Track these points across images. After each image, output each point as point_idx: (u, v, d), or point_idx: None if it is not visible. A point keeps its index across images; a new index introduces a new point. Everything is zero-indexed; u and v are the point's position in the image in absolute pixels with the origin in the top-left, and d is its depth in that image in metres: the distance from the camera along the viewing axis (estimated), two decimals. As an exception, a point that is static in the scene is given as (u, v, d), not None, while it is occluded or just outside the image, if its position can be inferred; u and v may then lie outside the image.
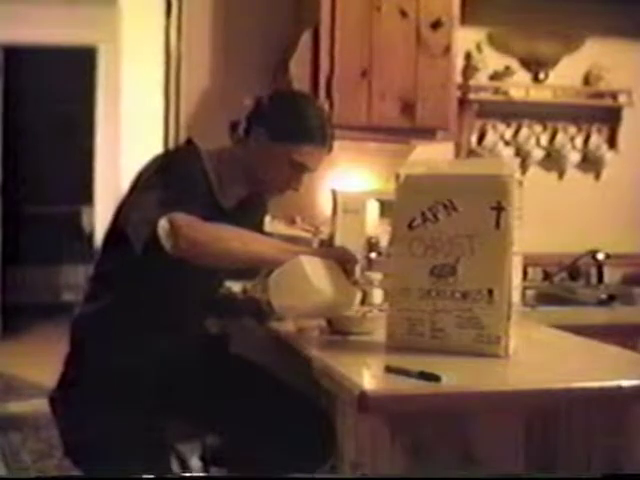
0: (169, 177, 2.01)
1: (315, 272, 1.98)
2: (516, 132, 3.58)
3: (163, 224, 1.88)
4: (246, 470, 2.19)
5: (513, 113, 3.56)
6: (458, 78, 3.37)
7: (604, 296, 3.28)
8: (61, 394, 2.15)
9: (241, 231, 2.00)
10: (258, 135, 2.14)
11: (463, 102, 3.44)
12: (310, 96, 2.32)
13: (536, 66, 3.57)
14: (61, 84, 7.04)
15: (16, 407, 4.53)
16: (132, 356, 2.08)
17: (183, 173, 2.05)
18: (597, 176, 3.72)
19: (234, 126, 2.22)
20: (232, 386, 2.24)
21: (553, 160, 3.64)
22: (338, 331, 2.19)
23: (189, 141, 2.24)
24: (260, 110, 2.16)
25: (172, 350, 2.15)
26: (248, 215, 2.26)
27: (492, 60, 3.53)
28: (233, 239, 1.96)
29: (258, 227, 2.38)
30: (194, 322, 2.31)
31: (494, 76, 3.53)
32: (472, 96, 3.46)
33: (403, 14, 3.04)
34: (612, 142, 3.68)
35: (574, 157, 3.64)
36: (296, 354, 2.07)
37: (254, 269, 2.46)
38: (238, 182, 2.21)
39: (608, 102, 3.66)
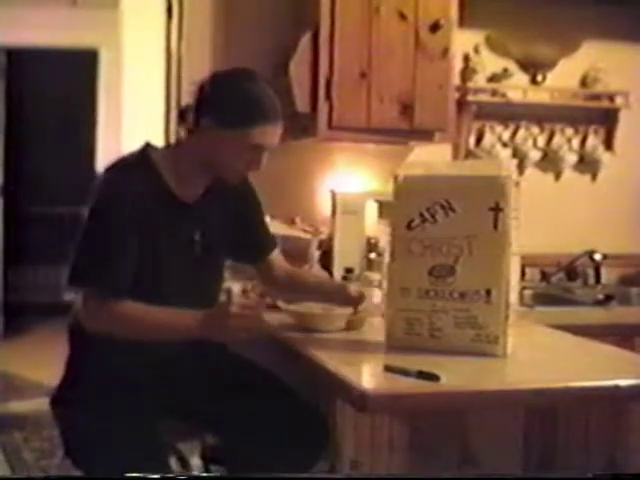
0: (99, 220, 2.00)
1: None
2: (514, 134, 3.59)
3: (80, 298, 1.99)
4: (246, 469, 2.19)
5: (511, 115, 3.57)
6: (456, 80, 3.37)
7: (601, 296, 3.29)
8: (62, 395, 2.15)
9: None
10: (207, 124, 2.05)
11: (461, 104, 3.44)
12: (251, 72, 2.11)
13: (534, 68, 3.58)
14: (63, 86, 7.03)
15: (18, 406, 4.53)
16: (132, 356, 2.08)
17: (115, 210, 2.00)
18: (594, 177, 3.72)
19: (183, 114, 2.15)
20: (231, 385, 2.25)
21: (550, 161, 3.65)
22: (304, 329, 2.25)
23: (145, 146, 2.15)
24: (204, 98, 2.07)
25: (171, 349, 2.14)
26: (216, 205, 2.20)
27: (490, 62, 3.54)
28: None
29: (239, 216, 2.29)
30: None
31: (492, 78, 3.54)
32: (470, 98, 3.47)
33: (402, 16, 3.05)
34: (609, 144, 3.68)
35: (571, 158, 3.65)
36: (296, 353, 2.09)
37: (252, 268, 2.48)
38: (197, 173, 2.14)
39: (605, 104, 3.67)
